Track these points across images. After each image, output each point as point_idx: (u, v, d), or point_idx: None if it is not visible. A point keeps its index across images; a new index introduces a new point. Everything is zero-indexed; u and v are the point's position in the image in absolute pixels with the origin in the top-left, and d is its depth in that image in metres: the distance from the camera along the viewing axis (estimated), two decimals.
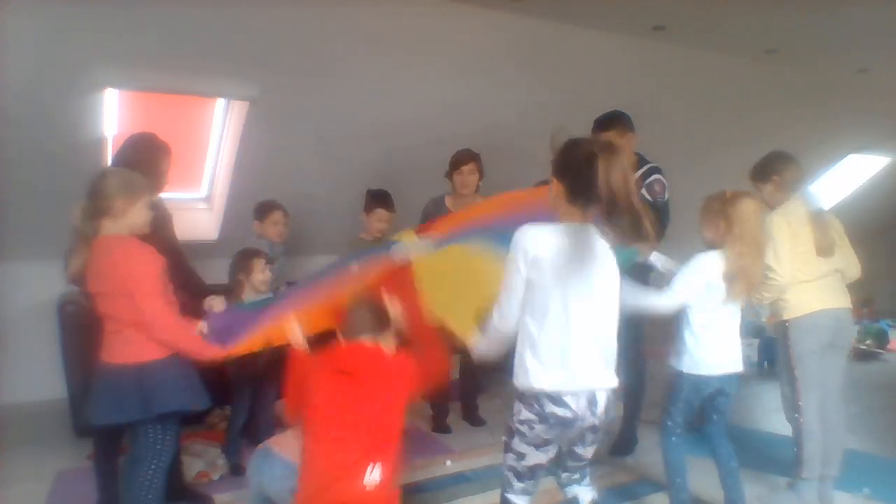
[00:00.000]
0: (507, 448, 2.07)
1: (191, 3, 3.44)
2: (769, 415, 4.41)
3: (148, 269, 2.33)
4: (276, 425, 3.70)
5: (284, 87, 4.10)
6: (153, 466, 2.41)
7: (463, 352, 4.15)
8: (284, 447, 2.58)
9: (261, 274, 3.36)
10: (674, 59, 4.96)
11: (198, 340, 2.45)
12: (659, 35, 4.58)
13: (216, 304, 2.81)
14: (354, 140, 4.59)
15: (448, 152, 3.94)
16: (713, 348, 2.69)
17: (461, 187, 3.83)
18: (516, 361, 2.02)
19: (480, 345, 2.17)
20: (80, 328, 3.75)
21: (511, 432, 2.04)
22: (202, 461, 3.36)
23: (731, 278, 2.62)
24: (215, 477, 3.33)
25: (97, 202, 2.36)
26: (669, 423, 2.80)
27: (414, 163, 4.61)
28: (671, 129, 5.49)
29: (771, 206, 3.10)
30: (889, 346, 6.41)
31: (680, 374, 2.73)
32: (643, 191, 3.59)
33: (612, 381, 2.03)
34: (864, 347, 6.31)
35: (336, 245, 4.08)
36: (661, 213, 3.57)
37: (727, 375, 2.71)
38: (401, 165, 4.66)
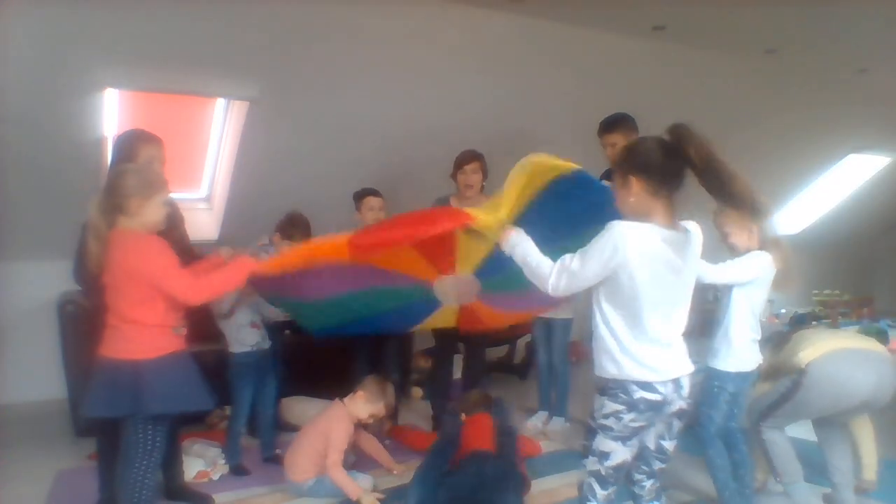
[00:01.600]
0: (588, 451, 2.00)
1: (191, 3, 3.44)
2: None
3: (163, 256, 2.35)
4: (277, 425, 3.72)
5: (284, 87, 4.10)
6: (143, 465, 2.41)
7: (468, 352, 4.18)
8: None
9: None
10: (674, 59, 4.96)
11: (229, 280, 2.53)
12: (659, 35, 4.58)
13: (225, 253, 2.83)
14: (354, 140, 4.59)
15: (448, 152, 3.94)
16: (752, 344, 2.83)
17: (465, 187, 3.83)
18: (601, 353, 1.98)
19: (519, 255, 2.12)
20: (80, 328, 3.75)
21: (592, 432, 1.99)
22: (202, 461, 3.37)
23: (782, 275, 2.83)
24: (215, 477, 3.34)
25: (113, 199, 2.36)
26: (712, 429, 2.83)
27: (414, 162, 4.62)
28: None
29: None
30: (889, 346, 6.39)
31: (723, 374, 2.81)
32: None
33: (692, 366, 2.02)
34: None
35: None
36: None
37: (755, 371, 2.83)
38: (401, 165, 4.66)
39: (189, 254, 2.91)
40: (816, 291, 8.07)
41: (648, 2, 4.00)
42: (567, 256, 1.98)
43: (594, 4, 4.02)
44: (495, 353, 5.58)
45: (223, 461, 3.43)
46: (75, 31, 3.37)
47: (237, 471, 3.40)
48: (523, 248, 2.11)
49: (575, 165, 2.26)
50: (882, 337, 6.39)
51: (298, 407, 4.09)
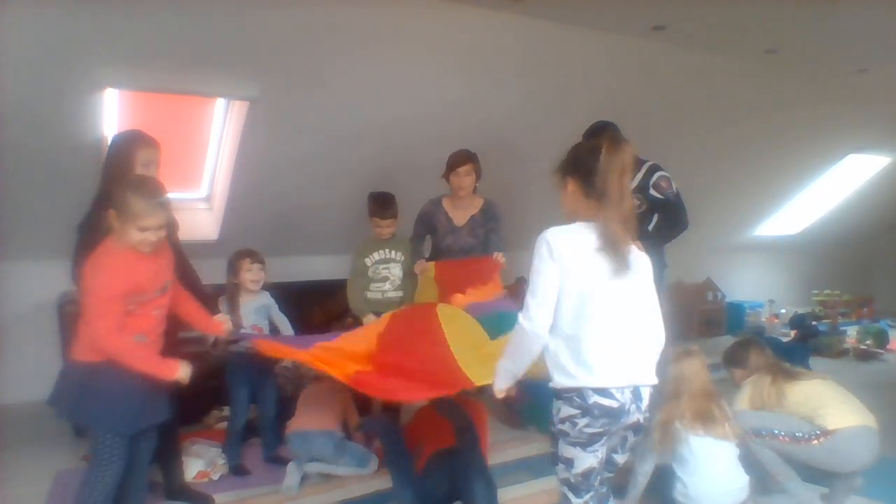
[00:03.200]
0: (555, 459, 2.00)
1: (191, 2, 3.44)
2: None
3: (100, 283, 2.32)
4: (278, 423, 3.71)
5: (284, 87, 4.10)
6: (95, 474, 2.39)
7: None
8: (314, 422, 3.28)
9: (248, 273, 3.45)
10: (674, 59, 4.96)
11: (144, 367, 2.39)
12: (659, 35, 4.58)
13: (224, 321, 2.91)
14: (354, 140, 4.59)
15: (448, 152, 3.94)
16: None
17: (458, 189, 3.82)
18: (551, 362, 1.97)
19: (503, 368, 2.08)
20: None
21: (555, 438, 1.98)
22: (202, 461, 3.36)
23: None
24: (215, 477, 3.33)
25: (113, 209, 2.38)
26: None
27: (414, 162, 4.61)
28: (671, 130, 5.49)
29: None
30: (889, 346, 6.40)
31: None
32: (651, 190, 3.65)
33: (654, 378, 2.01)
34: (864, 347, 6.30)
35: (336, 245, 4.08)
36: (675, 207, 3.66)
37: None
38: (401, 165, 4.66)
39: (183, 262, 2.91)
40: (816, 291, 8.09)
41: (648, 2, 4.00)
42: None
43: (594, 4, 4.02)
44: None
45: (223, 461, 3.43)
46: (75, 31, 3.37)
47: (237, 471, 3.40)
48: (503, 367, 2.08)
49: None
50: (882, 337, 6.43)
51: None
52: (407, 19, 3.97)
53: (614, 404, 1.91)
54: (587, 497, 1.96)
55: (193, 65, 3.81)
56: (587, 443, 1.93)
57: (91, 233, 2.66)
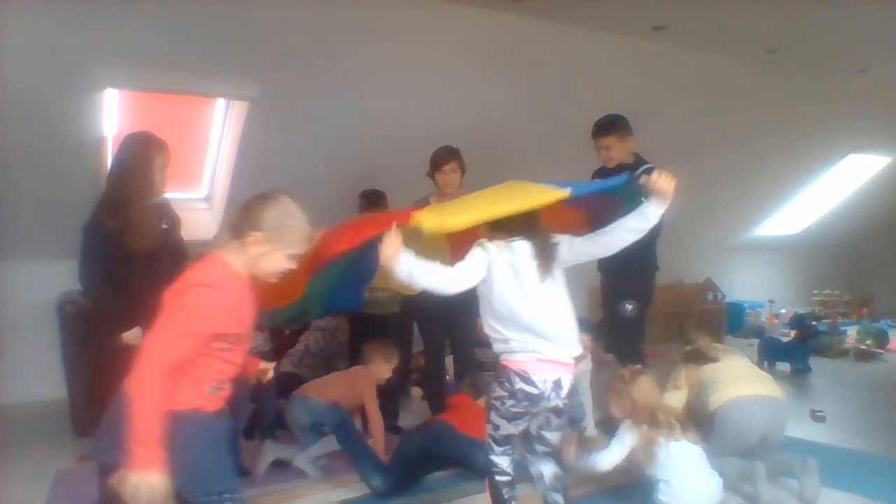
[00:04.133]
0: (488, 419, 2.42)
1: (191, 2, 3.44)
2: None
3: (199, 308, 1.84)
4: (278, 423, 3.71)
5: (284, 87, 4.10)
6: None
7: (455, 352, 4.16)
8: (318, 389, 3.43)
9: None
10: (674, 59, 4.97)
11: (157, 414, 1.73)
12: (659, 35, 4.58)
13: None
14: (354, 140, 4.59)
15: None
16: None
17: (445, 186, 3.77)
18: (489, 331, 2.35)
19: (411, 268, 2.18)
20: (80, 328, 3.76)
21: (490, 406, 2.40)
22: None
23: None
24: None
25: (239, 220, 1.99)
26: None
27: (414, 162, 4.60)
28: (671, 130, 5.49)
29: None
30: (889, 346, 6.40)
31: None
32: None
33: (573, 369, 2.34)
34: (864, 347, 6.30)
35: None
36: None
37: None
38: (401, 165, 4.65)
39: (182, 259, 2.91)
40: (816, 291, 8.09)
41: (648, 2, 4.00)
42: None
43: (594, 4, 4.02)
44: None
45: None
46: (75, 31, 3.37)
47: (237, 471, 3.40)
48: (408, 263, 2.18)
49: (565, 194, 2.23)
50: (882, 337, 6.43)
51: None
52: (407, 19, 3.98)
53: (535, 391, 2.26)
54: (505, 447, 2.42)
55: (193, 65, 3.81)
56: (511, 418, 2.34)
57: (94, 234, 2.67)
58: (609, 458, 2.81)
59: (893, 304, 8.60)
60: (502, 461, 2.42)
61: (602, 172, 3.59)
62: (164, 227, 2.84)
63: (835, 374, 5.61)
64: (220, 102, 4.34)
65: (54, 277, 4.18)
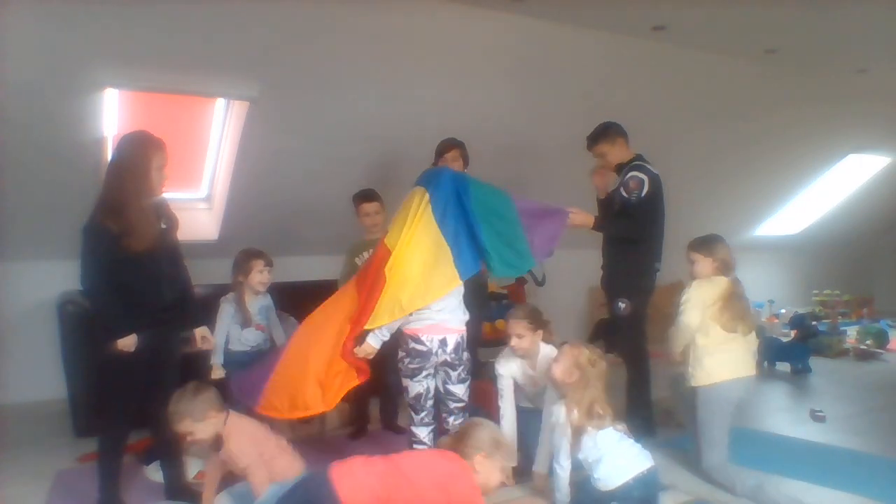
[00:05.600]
0: (401, 389, 2.93)
1: (191, 2, 3.44)
2: (770, 415, 4.42)
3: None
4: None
5: (284, 87, 4.10)
6: None
7: None
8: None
9: (259, 275, 3.42)
10: (674, 59, 4.96)
11: None
12: (659, 35, 4.58)
13: (206, 334, 2.99)
14: (354, 140, 4.59)
15: None
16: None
17: None
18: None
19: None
20: (80, 328, 3.76)
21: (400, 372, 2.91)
22: (202, 461, 3.36)
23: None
24: None
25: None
26: None
27: (414, 162, 4.60)
28: (671, 130, 5.49)
29: (697, 277, 3.25)
30: (889, 346, 6.40)
31: None
32: (621, 188, 3.62)
33: (462, 329, 2.91)
34: (864, 347, 6.30)
35: (336, 245, 4.08)
36: (632, 210, 3.56)
37: None
38: (401, 165, 4.65)
39: (178, 261, 2.91)
40: (816, 291, 8.09)
41: (648, 2, 4.00)
42: None
43: (594, 4, 4.02)
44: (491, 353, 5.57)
45: None
46: (75, 30, 3.37)
47: None
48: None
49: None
50: (882, 337, 6.42)
51: None
52: (407, 19, 3.97)
53: (423, 348, 2.84)
54: (423, 415, 2.90)
55: (193, 65, 3.81)
56: (412, 375, 2.87)
57: (95, 236, 2.66)
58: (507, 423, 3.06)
59: (893, 304, 8.59)
60: (420, 431, 2.91)
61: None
62: (163, 227, 2.84)
63: (835, 374, 5.61)
64: (220, 102, 4.34)
65: (54, 277, 4.18)
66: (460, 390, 2.92)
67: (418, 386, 2.88)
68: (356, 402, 3.88)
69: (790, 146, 6.59)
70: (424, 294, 2.78)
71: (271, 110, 4.16)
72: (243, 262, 3.43)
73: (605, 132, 3.71)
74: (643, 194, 3.53)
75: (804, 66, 5.44)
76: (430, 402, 2.91)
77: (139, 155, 2.73)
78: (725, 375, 3.09)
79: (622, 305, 3.65)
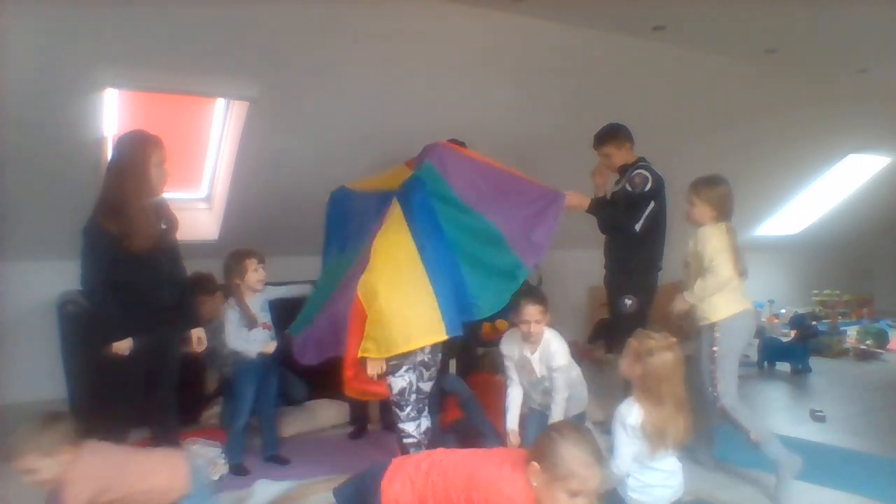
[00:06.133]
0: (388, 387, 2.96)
1: (191, 3, 3.44)
2: (770, 415, 4.42)
3: None
4: (277, 424, 3.72)
5: (284, 87, 4.10)
6: None
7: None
8: None
9: (255, 273, 3.42)
10: (674, 59, 4.96)
11: None
12: (659, 35, 4.58)
13: (201, 335, 3.02)
14: (354, 140, 4.59)
15: None
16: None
17: None
18: None
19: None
20: (80, 328, 3.76)
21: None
22: (202, 461, 3.36)
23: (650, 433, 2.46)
24: (215, 477, 3.33)
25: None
26: None
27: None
28: (671, 130, 5.49)
29: (699, 222, 3.23)
30: (889, 346, 6.40)
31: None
32: (626, 184, 3.67)
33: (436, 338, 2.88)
34: (864, 347, 6.30)
35: None
36: (633, 201, 3.62)
37: None
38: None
39: (176, 262, 2.91)
40: (816, 291, 8.09)
41: (648, 2, 4.00)
42: None
43: (594, 4, 4.02)
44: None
45: (223, 461, 3.43)
46: (75, 31, 3.37)
47: (237, 470, 3.40)
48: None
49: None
50: (882, 337, 6.43)
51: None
52: (407, 19, 3.97)
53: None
54: (408, 410, 2.94)
55: (193, 65, 3.81)
56: (392, 371, 2.90)
57: (95, 237, 2.66)
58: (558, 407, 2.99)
59: (893, 304, 8.59)
60: (408, 427, 2.97)
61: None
62: (163, 227, 2.84)
63: (835, 374, 5.61)
64: (220, 102, 4.34)
65: (54, 277, 4.17)
66: (426, 386, 3.02)
67: (401, 381, 2.92)
68: (356, 402, 3.88)
69: (790, 146, 6.59)
70: (407, 339, 2.77)
71: (271, 110, 4.15)
72: (236, 264, 3.41)
73: (615, 135, 3.76)
74: (646, 189, 3.59)
75: (804, 66, 5.44)
76: (413, 396, 2.95)
77: (137, 154, 2.73)
78: (742, 307, 3.17)
79: (628, 302, 3.67)
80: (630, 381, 2.61)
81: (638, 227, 3.62)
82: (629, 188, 3.62)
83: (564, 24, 4.35)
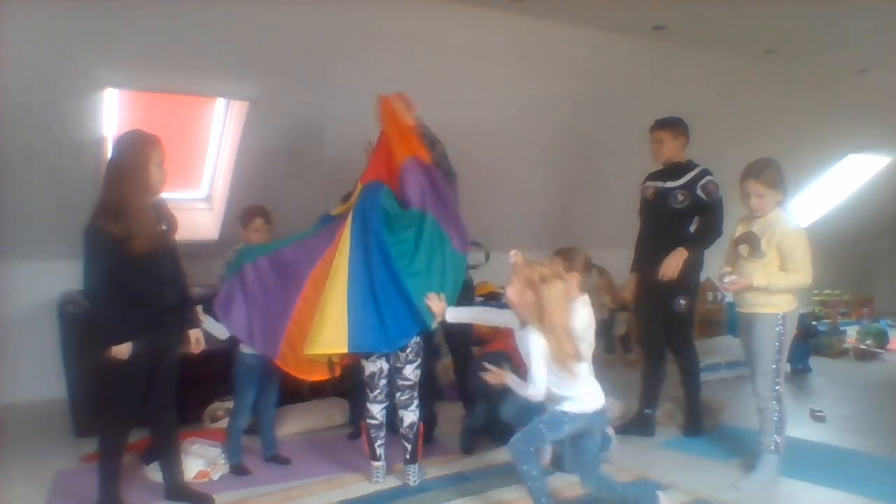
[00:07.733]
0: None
1: (191, 3, 3.44)
2: None
3: None
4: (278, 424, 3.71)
5: (284, 87, 4.10)
6: None
7: (453, 353, 4.17)
8: None
9: (255, 233, 3.58)
10: (674, 59, 4.96)
11: None
12: (659, 35, 4.58)
13: (199, 336, 3.00)
14: (354, 140, 4.58)
15: (447, 151, 3.93)
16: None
17: None
18: None
19: None
20: (81, 328, 3.76)
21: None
22: (202, 461, 3.36)
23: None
24: (215, 477, 3.33)
25: None
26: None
27: None
28: None
29: (759, 212, 3.27)
30: (889, 346, 6.40)
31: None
32: (699, 191, 3.70)
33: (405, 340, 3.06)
34: (864, 347, 6.30)
35: None
36: (715, 212, 3.71)
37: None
38: None
39: (175, 262, 2.91)
40: (816, 291, 8.07)
41: (648, 2, 4.00)
42: None
43: (594, 4, 4.02)
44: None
45: (223, 461, 3.43)
46: (75, 31, 3.37)
47: (237, 470, 3.39)
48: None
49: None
50: (882, 337, 6.42)
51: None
52: (407, 19, 3.98)
53: None
54: (376, 392, 3.16)
55: (193, 65, 3.81)
56: (366, 355, 3.10)
57: (96, 239, 2.66)
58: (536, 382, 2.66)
59: (893, 304, 8.59)
60: (374, 408, 3.17)
61: (654, 176, 3.87)
62: (163, 228, 2.84)
63: (835, 374, 5.61)
64: (220, 102, 4.34)
65: (54, 277, 4.18)
66: (409, 371, 3.14)
67: (372, 366, 3.13)
68: (356, 402, 3.87)
69: (790, 146, 6.58)
70: (311, 343, 2.95)
71: (271, 110, 4.16)
72: (246, 216, 3.63)
73: (675, 125, 3.82)
74: (719, 195, 3.70)
75: (804, 66, 5.44)
76: (382, 381, 3.15)
77: (137, 154, 2.72)
78: (797, 301, 3.24)
79: (683, 302, 3.70)
80: (517, 308, 2.66)
81: (692, 228, 3.73)
82: (704, 197, 3.67)
83: (564, 24, 4.35)
